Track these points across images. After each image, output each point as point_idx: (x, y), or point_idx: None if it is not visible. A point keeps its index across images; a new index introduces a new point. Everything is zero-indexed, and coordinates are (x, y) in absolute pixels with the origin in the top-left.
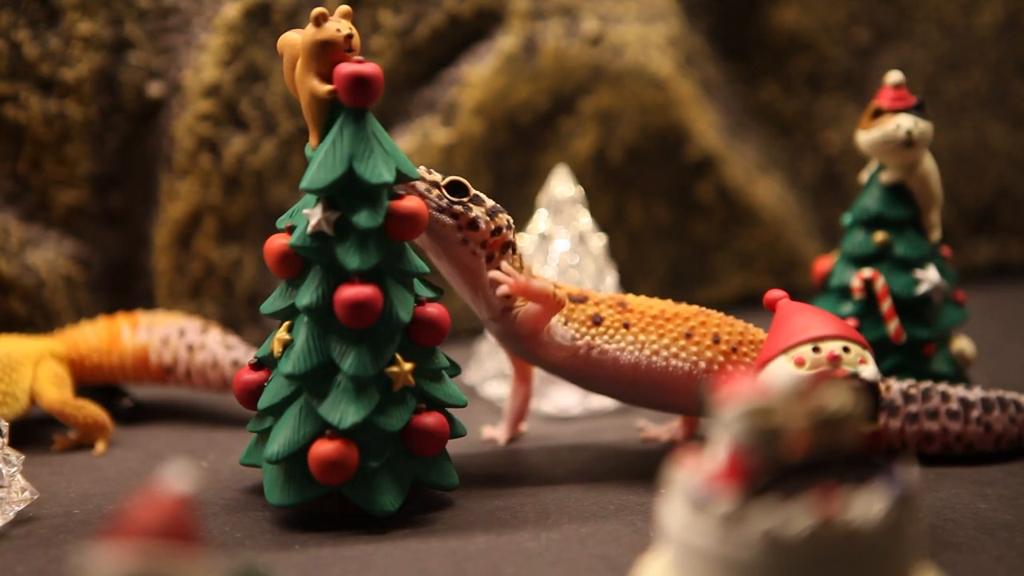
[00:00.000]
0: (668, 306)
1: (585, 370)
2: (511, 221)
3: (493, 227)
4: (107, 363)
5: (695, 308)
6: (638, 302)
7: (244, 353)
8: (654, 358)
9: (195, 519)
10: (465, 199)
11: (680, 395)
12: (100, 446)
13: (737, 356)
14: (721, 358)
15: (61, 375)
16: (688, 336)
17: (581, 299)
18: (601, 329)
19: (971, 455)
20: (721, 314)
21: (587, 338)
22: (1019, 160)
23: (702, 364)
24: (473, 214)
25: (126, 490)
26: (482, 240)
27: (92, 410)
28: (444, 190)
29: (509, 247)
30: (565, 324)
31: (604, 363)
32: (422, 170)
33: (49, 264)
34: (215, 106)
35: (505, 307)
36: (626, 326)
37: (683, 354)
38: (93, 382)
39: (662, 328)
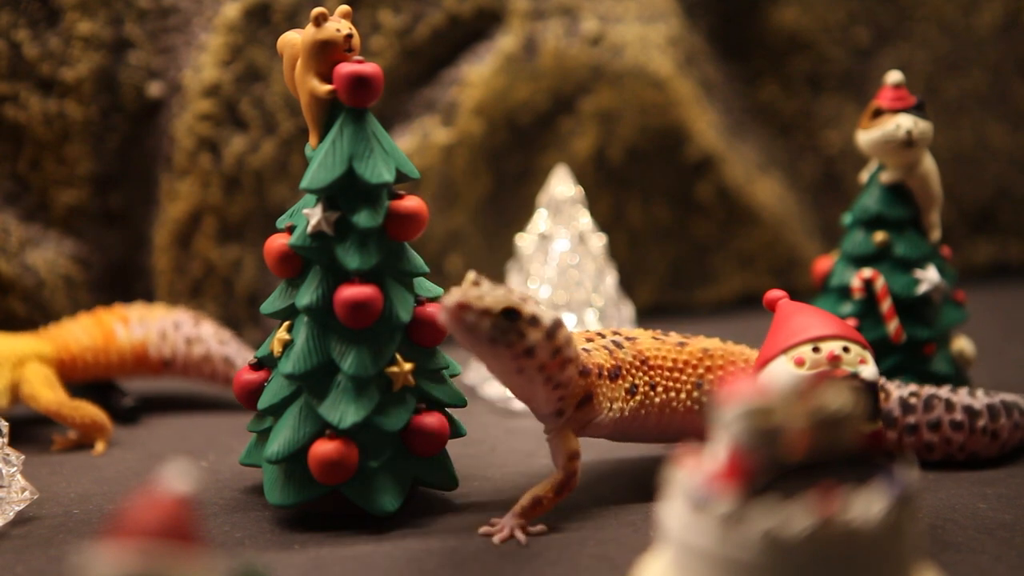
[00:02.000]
0: (673, 349)
1: (620, 433)
2: (569, 336)
3: (551, 349)
4: (103, 361)
5: (699, 347)
6: (653, 351)
7: (236, 350)
8: (675, 412)
9: (195, 519)
10: (519, 321)
11: (700, 431)
12: (99, 446)
13: None
14: None
15: (50, 376)
16: (699, 386)
17: (616, 373)
18: (638, 397)
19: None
20: (722, 346)
21: (626, 411)
22: (1019, 160)
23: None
24: (529, 342)
25: (126, 490)
26: (539, 365)
27: (90, 410)
28: (499, 318)
29: (569, 363)
30: (611, 408)
31: (635, 423)
32: (472, 294)
33: (49, 264)
34: (215, 106)
35: (557, 410)
36: (652, 387)
37: (698, 405)
38: (84, 380)
39: (677, 381)
